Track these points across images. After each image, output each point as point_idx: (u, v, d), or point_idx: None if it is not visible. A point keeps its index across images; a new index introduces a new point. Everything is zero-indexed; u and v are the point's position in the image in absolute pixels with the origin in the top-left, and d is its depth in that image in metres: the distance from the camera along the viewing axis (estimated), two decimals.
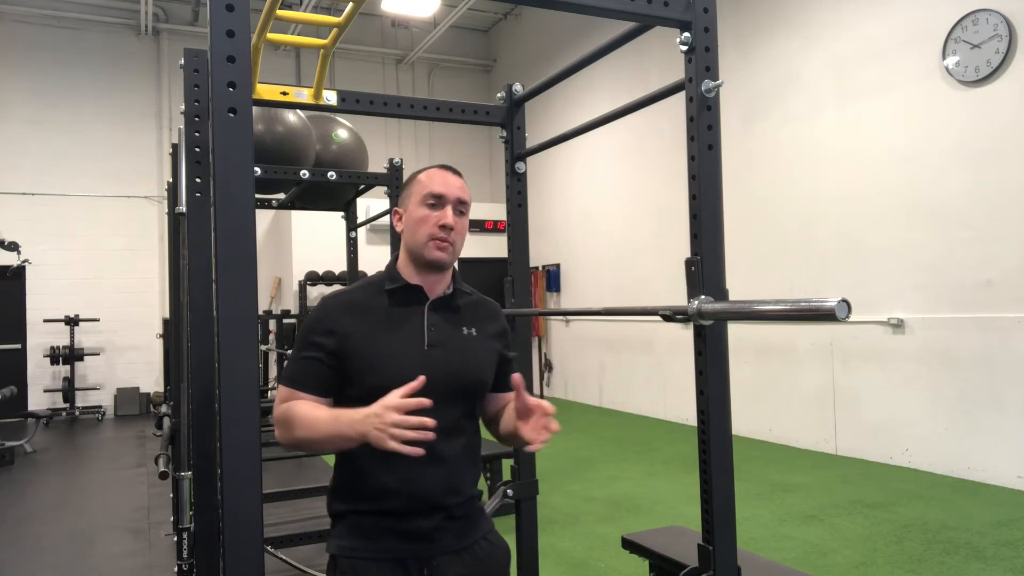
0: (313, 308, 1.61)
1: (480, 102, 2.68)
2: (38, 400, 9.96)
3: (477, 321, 1.66)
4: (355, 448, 1.44)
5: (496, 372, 1.66)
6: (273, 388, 9.43)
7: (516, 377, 1.51)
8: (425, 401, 1.36)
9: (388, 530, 1.53)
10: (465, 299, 1.68)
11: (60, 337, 9.94)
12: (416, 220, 1.58)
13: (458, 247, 1.60)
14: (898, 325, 5.74)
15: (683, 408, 7.98)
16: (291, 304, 9.89)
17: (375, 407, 1.37)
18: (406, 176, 1.83)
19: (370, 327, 1.55)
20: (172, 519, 4.35)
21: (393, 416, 1.34)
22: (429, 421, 1.35)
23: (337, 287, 10.27)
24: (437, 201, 1.58)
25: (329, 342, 1.53)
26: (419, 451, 1.34)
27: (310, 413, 1.47)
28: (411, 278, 1.61)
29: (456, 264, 1.69)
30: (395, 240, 4.24)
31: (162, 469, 3.60)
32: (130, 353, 10.52)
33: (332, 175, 4.25)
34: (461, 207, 1.60)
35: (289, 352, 8.19)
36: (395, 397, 1.37)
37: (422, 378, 1.39)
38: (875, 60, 5.99)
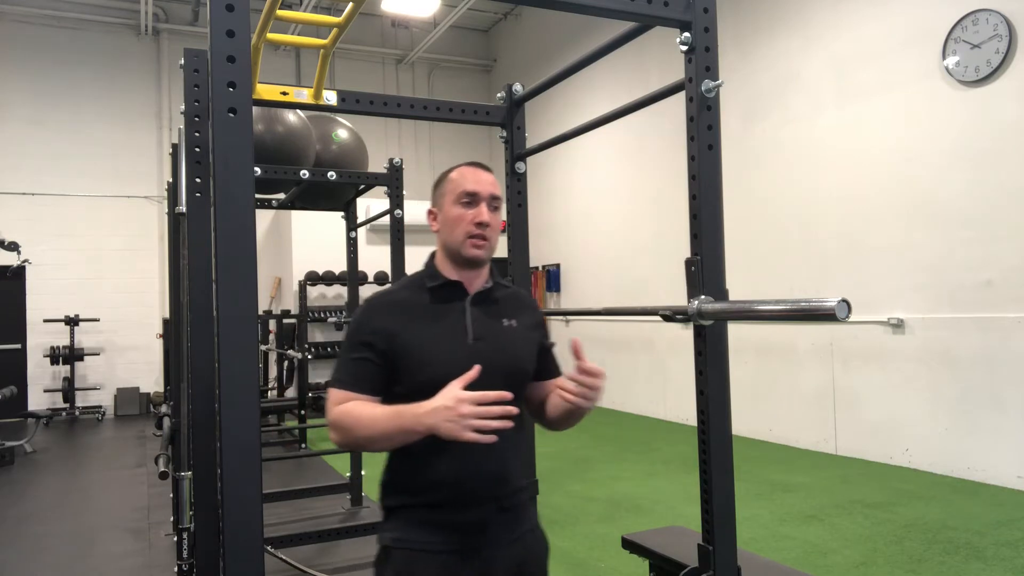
0: (358, 309, 1.66)
1: (480, 102, 2.68)
2: (38, 400, 9.95)
3: (516, 313, 1.71)
4: (410, 443, 1.48)
5: (537, 361, 1.71)
6: (273, 388, 9.43)
7: (576, 340, 1.55)
8: (506, 394, 1.42)
9: (440, 522, 1.56)
10: (503, 292, 1.72)
11: (60, 337, 9.93)
12: (452, 219, 1.62)
13: (494, 242, 1.65)
14: (898, 325, 5.74)
15: (683, 408, 7.98)
16: (291, 304, 9.89)
17: (445, 400, 1.41)
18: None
19: (415, 324, 1.59)
20: (172, 519, 4.35)
21: (467, 408, 1.38)
22: (512, 410, 1.41)
23: (337, 287, 10.30)
24: (471, 199, 1.61)
25: (377, 341, 1.56)
26: (492, 438, 1.39)
27: (369, 412, 1.50)
28: (450, 274, 1.65)
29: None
30: (395, 240, 4.25)
31: (162, 469, 3.61)
32: (130, 353, 10.52)
33: (332, 175, 4.26)
34: (494, 202, 1.64)
35: (289, 352, 8.21)
36: (457, 388, 1.41)
37: (478, 367, 1.45)
38: (875, 60, 5.99)
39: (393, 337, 1.56)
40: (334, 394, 1.55)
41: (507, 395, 1.41)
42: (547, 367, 1.75)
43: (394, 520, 1.61)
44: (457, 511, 1.56)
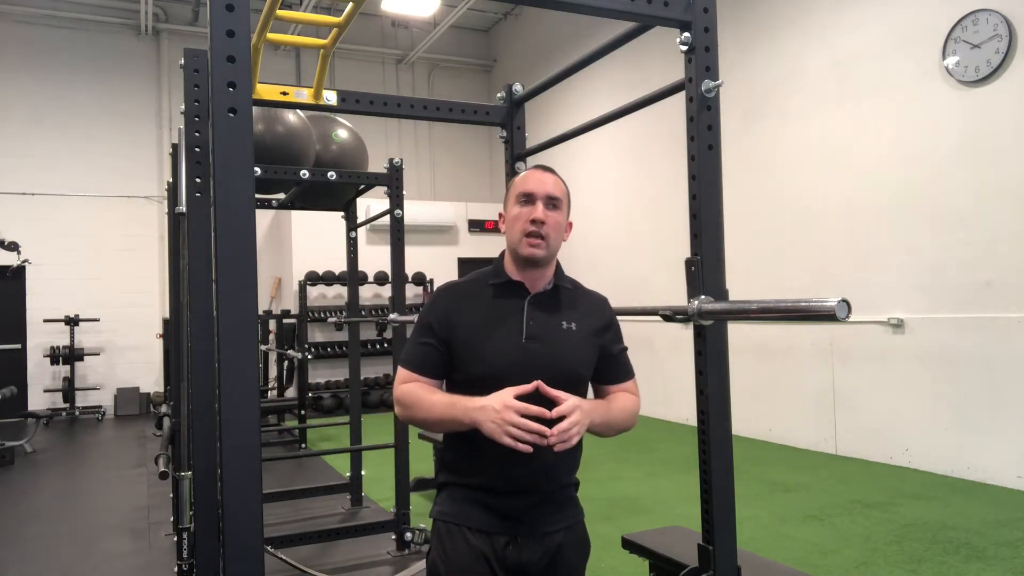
0: (429, 297, 1.76)
1: (480, 102, 2.68)
2: (38, 400, 9.95)
3: (578, 315, 1.74)
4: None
5: (599, 365, 1.76)
6: (273, 388, 9.43)
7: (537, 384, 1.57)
8: (547, 412, 1.49)
9: (481, 504, 1.65)
10: (567, 294, 1.76)
11: (60, 337, 9.93)
12: (512, 218, 1.70)
13: (552, 240, 1.68)
14: (898, 325, 5.74)
15: (683, 408, 7.99)
16: (291, 304, 9.88)
17: (495, 401, 1.50)
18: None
19: (475, 319, 1.67)
20: (172, 519, 4.35)
21: (513, 416, 1.47)
22: (545, 430, 1.47)
23: (337, 287, 10.30)
24: (528, 198, 1.68)
25: (439, 328, 1.66)
26: (528, 448, 1.48)
27: (428, 396, 1.61)
28: (513, 275, 1.72)
29: (557, 259, 1.77)
30: (395, 240, 4.25)
31: (162, 469, 3.60)
32: (130, 353, 10.52)
33: (332, 175, 4.26)
34: (553, 202, 1.69)
35: (289, 352, 8.21)
36: (511, 395, 1.50)
37: (537, 383, 1.53)
38: (875, 60, 5.99)
39: (453, 327, 1.65)
40: (401, 372, 1.68)
41: (550, 415, 1.49)
42: (609, 372, 1.78)
43: (443, 495, 1.72)
44: (499, 496, 1.64)
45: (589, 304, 1.79)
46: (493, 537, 1.63)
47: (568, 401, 1.54)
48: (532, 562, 1.64)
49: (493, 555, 1.63)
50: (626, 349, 1.82)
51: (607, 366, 1.76)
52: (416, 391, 1.62)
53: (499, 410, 1.47)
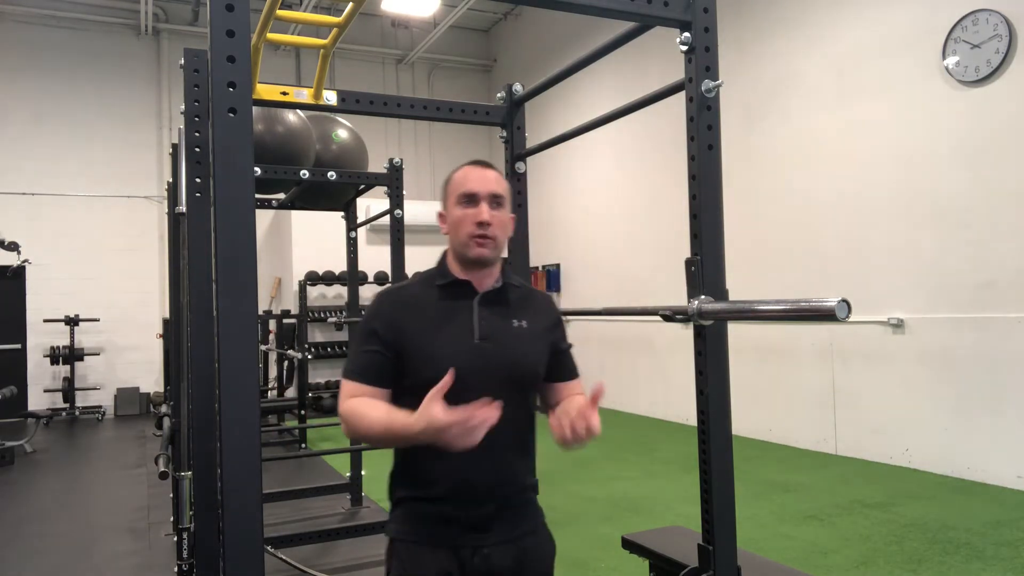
0: (370, 303, 1.68)
1: (480, 102, 2.68)
2: (38, 400, 9.95)
3: (528, 313, 1.69)
4: None
5: (550, 363, 1.70)
6: (273, 388, 9.43)
7: (599, 387, 1.54)
8: (493, 415, 1.38)
9: (442, 517, 1.58)
10: (515, 292, 1.71)
11: (60, 337, 9.93)
12: (455, 221, 1.63)
13: (500, 240, 1.63)
14: (898, 325, 5.73)
15: (683, 408, 7.98)
16: (291, 304, 9.88)
17: (427, 426, 1.36)
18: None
19: (423, 322, 1.60)
20: (172, 519, 4.35)
21: (453, 431, 1.36)
22: (494, 412, 1.37)
23: (337, 287, 10.30)
24: (471, 199, 1.61)
25: (385, 334, 1.58)
26: (480, 437, 1.38)
27: (369, 417, 1.51)
28: (460, 274, 1.65)
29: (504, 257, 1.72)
30: (395, 240, 4.26)
31: (162, 469, 3.60)
32: (130, 353, 10.52)
33: (332, 175, 4.26)
34: (496, 200, 1.62)
35: (289, 352, 8.21)
36: (437, 409, 1.36)
37: (452, 371, 1.41)
38: (875, 60, 5.99)
39: (400, 331, 1.58)
40: (345, 385, 1.59)
41: (486, 403, 1.38)
42: (561, 369, 1.72)
43: (399, 512, 1.64)
44: (459, 506, 1.57)
45: (537, 302, 1.75)
46: (459, 551, 1.56)
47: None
48: (501, 570, 1.58)
49: (459, 571, 1.56)
50: (571, 346, 1.78)
51: (557, 363, 1.71)
52: (359, 407, 1.52)
53: (440, 429, 1.36)
